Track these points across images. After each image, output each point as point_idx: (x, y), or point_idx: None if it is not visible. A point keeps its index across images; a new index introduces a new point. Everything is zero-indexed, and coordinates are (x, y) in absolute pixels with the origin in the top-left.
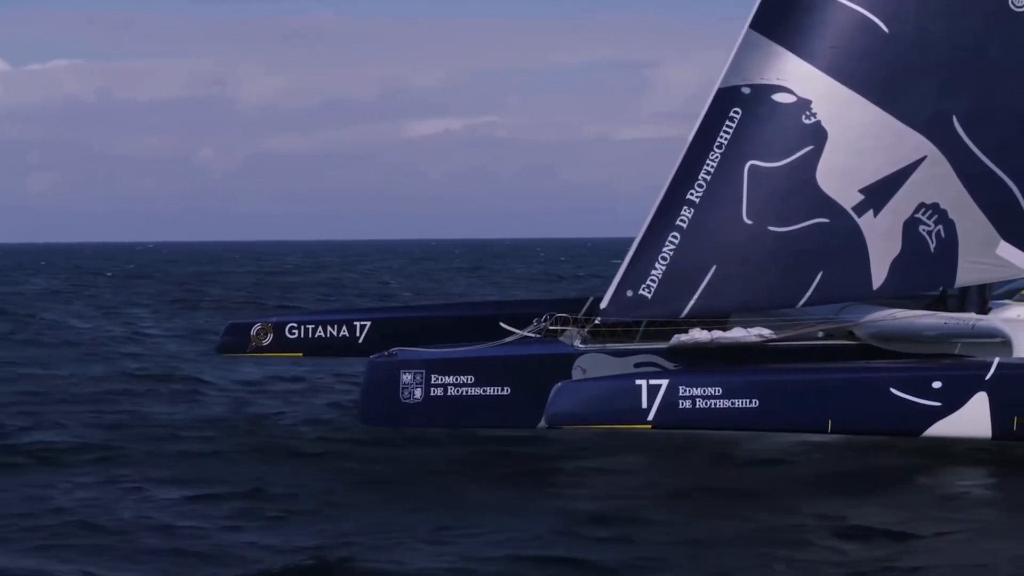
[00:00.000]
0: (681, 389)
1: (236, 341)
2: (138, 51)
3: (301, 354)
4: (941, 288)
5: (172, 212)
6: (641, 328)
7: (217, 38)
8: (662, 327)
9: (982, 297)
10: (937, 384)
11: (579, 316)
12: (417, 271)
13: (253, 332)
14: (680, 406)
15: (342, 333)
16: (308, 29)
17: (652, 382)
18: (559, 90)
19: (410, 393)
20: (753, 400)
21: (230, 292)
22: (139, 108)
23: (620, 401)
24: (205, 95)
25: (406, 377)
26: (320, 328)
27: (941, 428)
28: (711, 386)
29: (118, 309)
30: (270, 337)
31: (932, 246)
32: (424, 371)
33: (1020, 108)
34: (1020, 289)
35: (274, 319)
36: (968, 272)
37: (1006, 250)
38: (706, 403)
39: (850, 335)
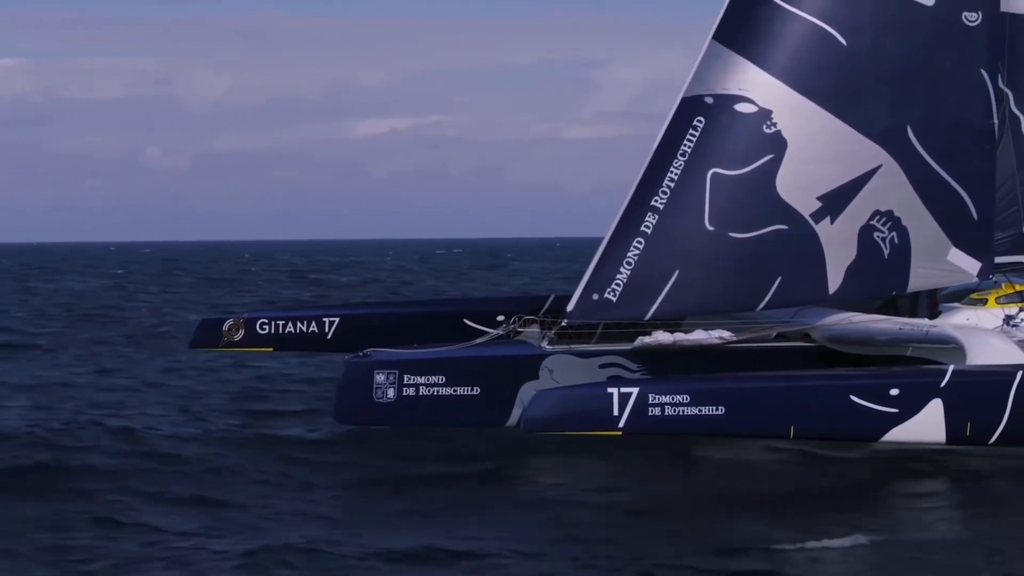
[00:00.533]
0: (651, 397)
1: (209, 336)
2: (84, 50)
3: (271, 349)
4: (893, 293)
5: (119, 212)
6: (598, 330)
7: (164, 37)
8: (626, 329)
9: (932, 301)
10: (895, 391)
11: (546, 318)
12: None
13: (225, 327)
14: (650, 413)
15: (311, 329)
16: (255, 28)
17: (623, 390)
18: (507, 89)
19: (383, 393)
20: (719, 407)
21: None
22: (85, 107)
23: (593, 408)
24: (152, 94)
25: (380, 377)
26: (290, 324)
27: (898, 433)
28: (679, 394)
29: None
30: (242, 332)
31: (886, 252)
32: (397, 371)
33: (971, 119)
34: (968, 292)
35: (246, 315)
36: (920, 277)
37: (957, 256)
38: (675, 410)
39: (806, 337)
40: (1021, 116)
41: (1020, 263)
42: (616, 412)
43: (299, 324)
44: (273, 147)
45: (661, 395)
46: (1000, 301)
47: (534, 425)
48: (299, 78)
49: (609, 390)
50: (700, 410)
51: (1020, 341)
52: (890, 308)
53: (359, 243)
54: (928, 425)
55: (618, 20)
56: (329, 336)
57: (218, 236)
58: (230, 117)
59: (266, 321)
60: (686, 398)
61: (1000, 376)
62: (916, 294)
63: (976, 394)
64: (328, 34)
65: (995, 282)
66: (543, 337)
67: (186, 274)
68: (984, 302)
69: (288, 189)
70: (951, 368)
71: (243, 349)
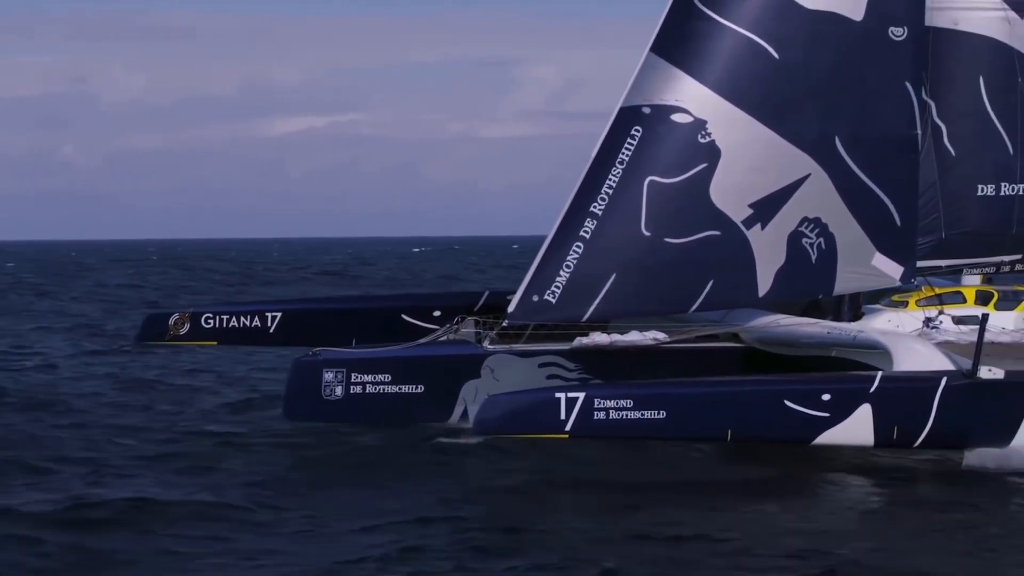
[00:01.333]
0: (596, 401)
1: (155, 330)
2: None
3: (216, 343)
4: (820, 295)
5: (32, 210)
6: (528, 331)
7: (79, 35)
8: (565, 330)
9: (855, 303)
10: (826, 396)
11: (487, 318)
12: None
13: (171, 322)
14: (595, 417)
15: (254, 323)
16: (170, 26)
17: (570, 395)
18: (424, 88)
19: (331, 390)
20: (661, 412)
21: None
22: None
23: (541, 412)
24: (67, 92)
25: (328, 375)
26: (234, 318)
27: (829, 436)
28: (623, 399)
29: None
30: (187, 326)
31: (813, 257)
32: (345, 370)
33: (895, 130)
34: (889, 293)
35: (191, 309)
36: (845, 281)
37: (881, 261)
38: (618, 414)
39: (735, 338)
40: (943, 127)
41: (940, 267)
42: (563, 416)
43: (242, 319)
44: (189, 145)
45: (606, 400)
46: (920, 304)
47: (485, 427)
48: (215, 76)
49: (557, 395)
50: (643, 414)
51: (940, 343)
52: (815, 309)
53: (275, 241)
54: (858, 429)
55: (535, 19)
56: (271, 330)
57: (133, 235)
58: (145, 115)
59: (211, 315)
60: (629, 403)
61: (925, 382)
62: (840, 296)
63: (903, 399)
64: (244, 32)
65: (916, 285)
66: (485, 337)
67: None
68: (905, 304)
69: (203, 187)
70: (879, 375)
71: (188, 343)
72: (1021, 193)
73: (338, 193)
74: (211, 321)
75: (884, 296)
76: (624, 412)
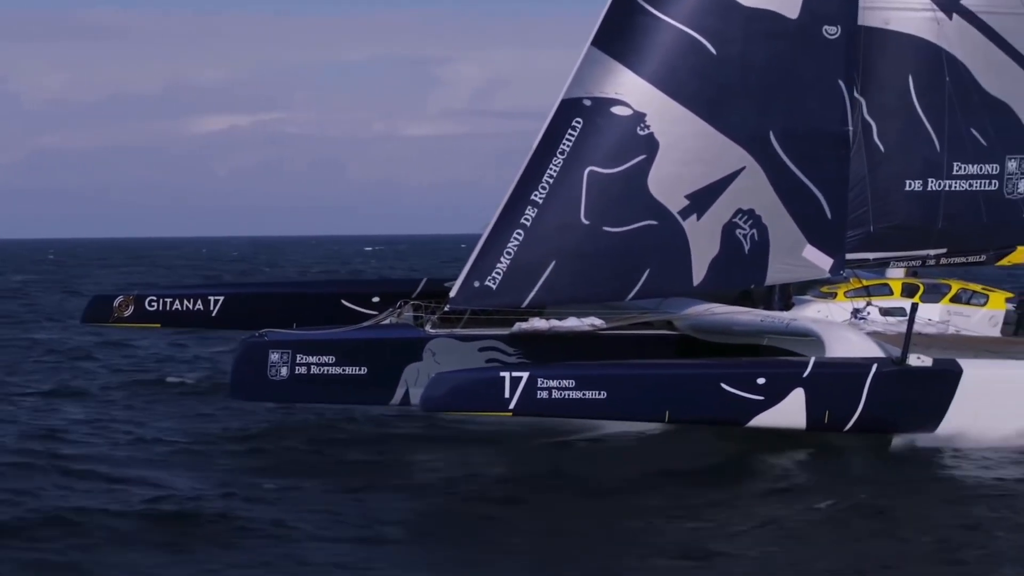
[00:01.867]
0: (539, 381)
1: (100, 312)
2: None
3: (159, 325)
4: (752, 285)
5: None
6: (466, 316)
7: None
8: (506, 315)
9: (785, 293)
10: (761, 380)
11: (430, 303)
12: None
13: (116, 304)
14: (538, 396)
15: (197, 307)
16: (93, 24)
17: (514, 374)
18: (347, 86)
19: (277, 371)
20: (602, 392)
21: None
22: None
23: (486, 390)
24: None
25: (274, 356)
26: (177, 301)
27: (763, 419)
28: (565, 379)
29: None
30: (131, 309)
31: (747, 248)
32: (291, 351)
33: (828, 126)
34: (818, 285)
35: (136, 292)
36: (777, 272)
37: (812, 253)
38: (561, 394)
39: (669, 326)
40: (873, 124)
41: (868, 260)
42: (507, 394)
43: (186, 302)
44: (111, 144)
45: (549, 379)
46: (849, 295)
47: (431, 404)
48: (138, 74)
49: (502, 374)
50: (584, 394)
51: (869, 333)
52: (746, 299)
53: (199, 240)
54: (791, 412)
55: (459, 18)
56: (214, 314)
57: (53, 234)
58: (67, 113)
59: (154, 298)
60: (571, 383)
61: (857, 368)
62: (771, 287)
63: (834, 384)
64: (167, 30)
65: (845, 277)
66: (427, 321)
67: None
68: (834, 295)
69: (126, 185)
70: (812, 360)
71: (132, 325)
72: (947, 189)
73: (263, 191)
74: (155, 304)
75: (812, 287)
76: (566, 392)
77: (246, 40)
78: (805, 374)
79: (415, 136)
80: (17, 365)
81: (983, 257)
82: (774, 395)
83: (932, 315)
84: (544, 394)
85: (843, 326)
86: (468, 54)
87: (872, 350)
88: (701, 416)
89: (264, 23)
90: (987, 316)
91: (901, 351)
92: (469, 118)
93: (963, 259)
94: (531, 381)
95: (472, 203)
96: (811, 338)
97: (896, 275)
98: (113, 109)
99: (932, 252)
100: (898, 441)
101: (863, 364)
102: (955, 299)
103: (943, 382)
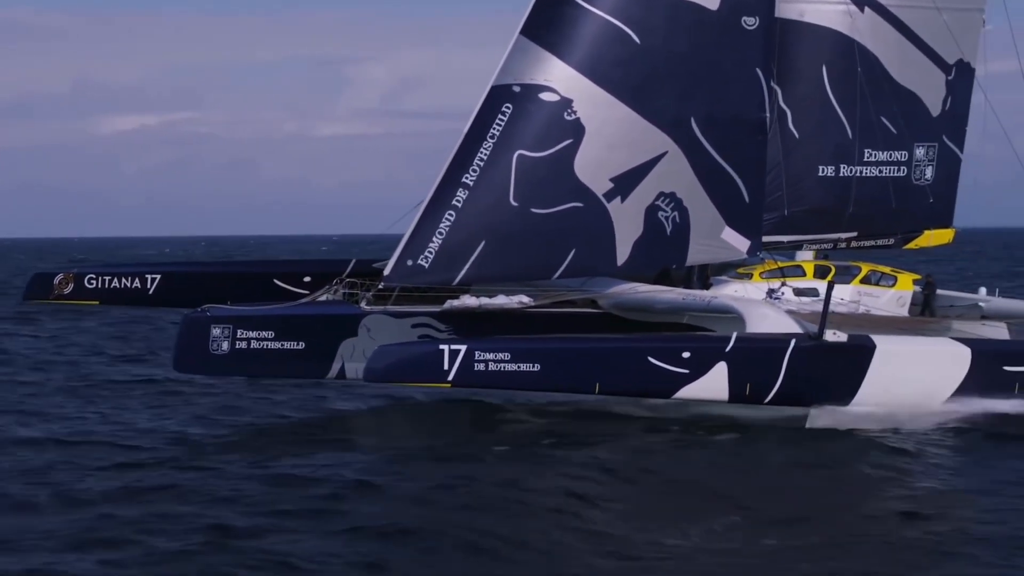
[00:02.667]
0: (476, 354)
1: (40, 289)
2: None
3: (98, 302)
4: (674, 266)
5: None
6: (395, 293)
7: None
8: (438, 293)
9: (704, 274)
10: (686, 354)
11: (366, 281)
12: None
13: (56, 281)
14: (475, 368)
15: (134, 284)
16: (2, 23)
17: (453, 347)
18: (258, 87)
19: (218, 345)
20: (535, 365)
21: None
22: None
23: (426, 363)
24: None
25: (215, 331)
26: (115, 279)
27: (688, 391)
28: (501, 352)
29: None
30: (71, 286)
31: (668, 230)
32: (231, 326)
33: (747, 113)
34: (734, 267)
35: (75, 270)
36: (697, 253)
37: (729, 234)
38: (497, 366)
39: (593, 304)
40: (788, 111)
41: (782, 242)
42: (446, 367)
43: (124, 279)
44: (18, 144)
45: (485, 352)
46: (764, 276)
47: (374, 376)
48: (46, 74)
49: (441, 347)
50: (519, 367)
51: (784, 312)
52: (665, 279)
53: (109, 240)
54: (714, 385)
55: (370, 19)
56: (151, 291)
57: None
58: None
59: (94, 276)
60: (507, 356)
61: (776, 343)
62: (691, 267)
63: (755, 358)
64: (76, 30)
65: (761, 259)
66: (362, 298)
67: None
68: (750, 276)
69: (33, 185)
70: (735, 335)
71: (72, 302)
72: (859, 175)
73: (173, 191)
74: (93, 281)
75: (729, 269)
76: (502, 364)
77: (158, 40)
78: (728, 348)
79: (327, 136)
80: None
81: (892, 241)
82: (698, 368)
83: (843, 295)
84: (481, 366)
85: (763, 303)
86: (379, 55)
87: (791, 326)
88: (629, 388)
89: (174, 23)
90: (895, 297)
91: (818, 327)
92: (380, 118)
93: (872, 242)
94: (468, 354)
95: (384, 202)
96: (732, 315)
97: (806, 257)
98: (20, 109)
99: (843, 235)
100: (814, 413)
101: (782, 339)
102: (865, 280)
103: (857, 357)
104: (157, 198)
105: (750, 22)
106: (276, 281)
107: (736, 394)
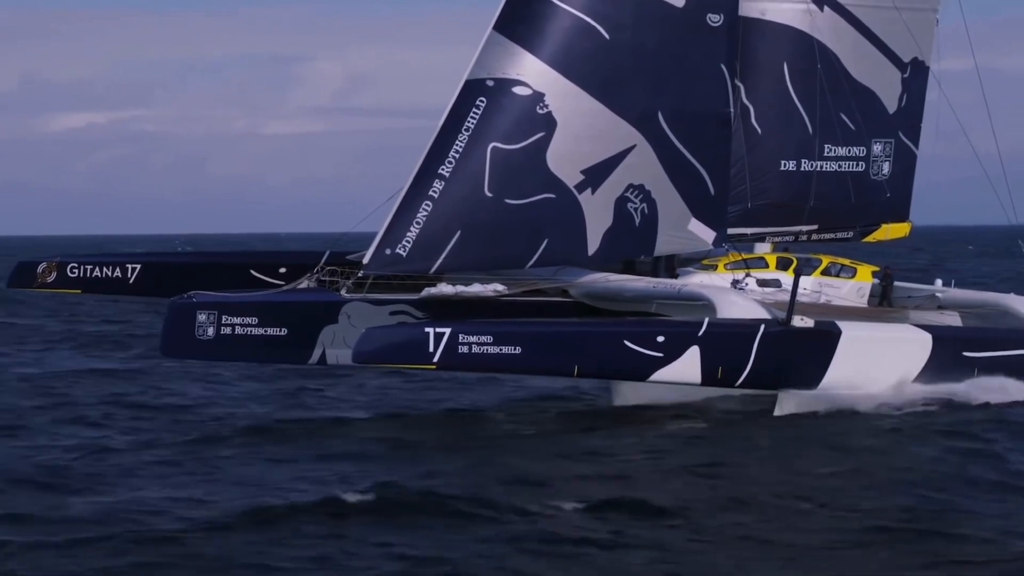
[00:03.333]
0: (460, 337)
1: (25, 278)
2: None
3: (80, 291)
4: (642, 256)
5: None
6: (369, 281)
7: None
8: (416, 281)
9: (670, 264)
10: (661, 338)
11: (345, 270)
12: None
13: (40, 270)
14: (459, 351)
15: (115, 274)
16: None
17: (438, 330)
18: (207, 84)
19: (204, 331)
20: (517, 347)
21: None
22: None
23: (412, 345)
24: None
25: (201, 317)
26: (97, 268)
27: (663, 374)
28: (484, 335)
29: None
30: (54, 275)
31: (637, 221)
32: (217, 312)
33: (712, 108)
34: (699, 258)
35: (58, 259)
36: (665, 244)
37: (696, 226)
38: (480, 349)
39: (564, 293)
40: (751, 107)
41: (745, 235)
42: (431, 349)
43: (105, 269)
44: None
45: (469, 335)
46: (728, 267)
47: (362, 358)
48: None
49: (426, 330)
50: (501, 349)
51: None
52: (630, 270)
53: (53, 240)
54: (687, 368)
55: (320, 17)
56: (131, 281)
57: None
58: None
59: (76, 265)
60: (490, 339)
61: (747, 328)
62: (658, 258)
63: (727, 342)
64: (22, 26)
65: (725, 250)
66: (342, 286)
67: None
68: (715, 268)
69: None
70: (707, 320)
71: (55, 291)
72: (819, 169)
73: (121, 189)
74: (76, 270)
75: (694, 261)
76: (485, 347)
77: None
78: (700, 333)
79: (276, 134)
80: None
81: (851, 234)
82: (672, 352)
83: (805, 286)
84: (465, 349)
85: (732, 291)
86: (329, 53)
87: (760, 312)
88: (606, 371)
89: (122, 20)
90: (855, 288)
91: (786, 313)
92: (330, 116)
93: (832, 235)
94: (453, 337)
95: (334, 200)
96: (702, 303)
97: (765, 249)
98: None
99: (804, 228)
100: (782, 397)
101: (752, 324)
102: (826, 272)
103: (824, 341)
104: (105, 195)
105: (715, 19)
106: (253, 272)
107: (708, 377)
